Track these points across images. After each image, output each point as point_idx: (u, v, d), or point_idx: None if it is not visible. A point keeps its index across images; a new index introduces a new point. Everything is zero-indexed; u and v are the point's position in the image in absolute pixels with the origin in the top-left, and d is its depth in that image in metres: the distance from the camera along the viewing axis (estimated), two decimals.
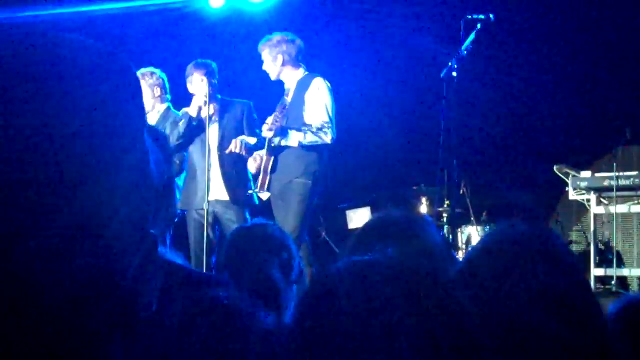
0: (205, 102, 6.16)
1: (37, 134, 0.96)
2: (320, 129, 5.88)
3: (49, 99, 0.98)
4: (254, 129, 6.32)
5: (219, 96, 6.37)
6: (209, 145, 6.18)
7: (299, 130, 5.89)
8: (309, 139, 5.87)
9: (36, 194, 0.96)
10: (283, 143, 5.92)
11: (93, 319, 1.01)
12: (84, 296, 1.00)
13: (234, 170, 6.28)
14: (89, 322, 1.01)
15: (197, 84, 6.26)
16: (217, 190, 6.23)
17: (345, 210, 8.32)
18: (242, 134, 6.24)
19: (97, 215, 1.00)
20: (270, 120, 5.98)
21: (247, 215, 6.25)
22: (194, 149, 6.35)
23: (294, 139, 5.88)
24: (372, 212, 8.05)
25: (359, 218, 8.07)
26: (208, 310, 1.40)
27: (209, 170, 6.12)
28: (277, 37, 6.16)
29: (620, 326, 1.81)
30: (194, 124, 6.21)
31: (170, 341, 1.11)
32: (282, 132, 5.90)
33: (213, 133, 6.28)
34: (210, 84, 6.20)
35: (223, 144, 6.23)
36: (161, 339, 1.15)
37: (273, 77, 6.19)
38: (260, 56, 6.26)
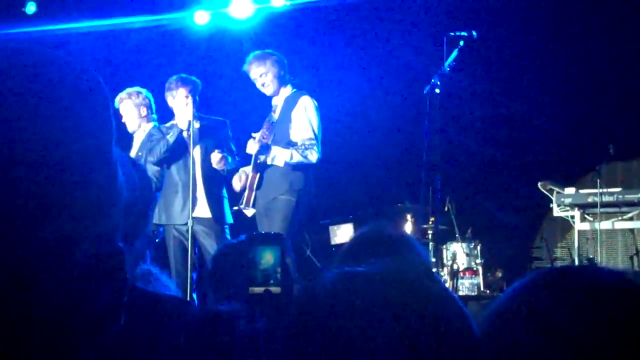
0: (195, 117, 6.16)
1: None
2: (306, 148, 5.88)
3: (12, 114, 0.98)
4: (230, 146, 6.37)
5: (197, 113, 6.33)
6: (193, 161, 6.17)
7: (285, 148, 5.89)
8: (295, 158, 5.87)
9: None
10: (269, 162, 5.91)
11: (64, 332, 1.00)
12: (53, 312, 0.99)
13: (216, 188, 6.29)
14: (61, 333, 1.00)
15: (181, 99, 6.23)
16: (199, 207, 6.21)
17: (328, 226, 8.31)
18: (223, 151, 6.22)
19: (63, 231, 1.00)
20: (257, 136, 5.97)
21: (227, 233, 6.27)
22: (176, 165, 6.31)
23: (280, 158, 5.88)
24: (355, 228, 8.04)
25: (342, 233, 8.06)
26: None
27: (194, 187, 6.10)
28: (271, 52, 6.13)
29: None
30: (182, 138, 6.21)
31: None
32: (267, 150, 5.90)
33: (196, 150, 6.26)
34: (194, 101, 6.20)
35: (206, 161, 6.21)
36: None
37: (272, 92, 6.13)
38: (245, 74, 6.23)
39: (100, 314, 1.07)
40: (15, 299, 0.98)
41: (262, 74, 6.08)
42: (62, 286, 1.01)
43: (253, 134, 6.03)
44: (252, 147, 5.94)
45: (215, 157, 6.09)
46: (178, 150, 6.23)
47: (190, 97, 6.19)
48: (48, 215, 0.99)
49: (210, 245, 6.06)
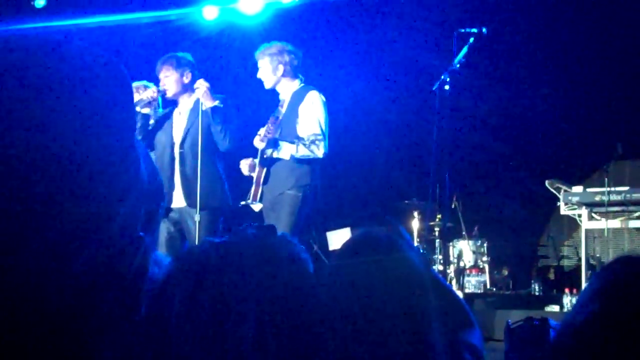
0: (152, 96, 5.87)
1: (31, 139, 0.96)
2: (312, 142, 5.86)
3: (43, 106, 0.99)
4: (219, 126, 5.78)
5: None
6: (172, 143, 5.85)
7: (291, 142, 5.87)
8: (301, 152, 5.85)
9: (27, 201, 0.96)
10: (275, 155, 5.90)
11: (87, 321, 1.01)
12: (78, 300, 0.99)
13: (195, 172, 5.72)
14: (84, 323, 1.00)
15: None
16: (179, 196, 5.81)
17: (325, 232, 8.19)
18: (210, 133, 5.77)
19: (90, 220, 1.00)
20: (262, 131, 5.95)
21: (216, 227, 5.73)
22: (157, 149, 5.94)
23: (286, 151, 5.86)
24: (352, 233, 7.95)
25: (338, 240, 7.93)
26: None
27: (171, 173, 5.81)
28: (278, 46, 6.05)
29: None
30: (149, 121, 5.92)
31: (167, 339, 1.11)
32: (274, 144, 5.89)
33: (178, 130, 5.92)
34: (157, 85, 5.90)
35: (184, 143, 5.84)
36: (157, 338, 1.16)
37: (268, 86, 6.10)
38: (255, 65, 6.21)
39: (121, 304, 1.07)
40: (37, 288, 0.98)
41: (260, 67, 6.08)
42: (82, 275, 1.01)
43: (260, 132, 6.01)
44: (258, 143, 5.93)
45: (200, 86, 5.72)
46: (152, 134, 5.90)
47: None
48: (71, 201, 0.99)
49: (191, 237, 5.71)
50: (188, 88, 5.98)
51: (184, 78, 5.96)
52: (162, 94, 5.95)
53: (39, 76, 1.00)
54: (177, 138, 5.90)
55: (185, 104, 6.02)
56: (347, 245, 2.00)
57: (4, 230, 0.96)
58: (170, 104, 6.16)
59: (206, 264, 1.14)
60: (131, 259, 1.09)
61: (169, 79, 5.91)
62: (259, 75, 6.10)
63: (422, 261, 1.96)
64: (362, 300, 1.22)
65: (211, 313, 1.09)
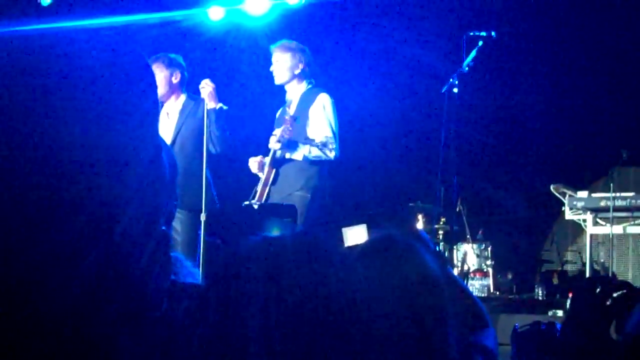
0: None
1: (52, 134, 0.96)
2: (324, 145, 5.85)
3: (62, 102, 0.98)
4: (219, 132, 5.73)
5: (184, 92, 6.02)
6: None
7: (304, 143, 5.86)
8: (314, 153, 5.85)
9: (49, 193, 0.95)
10: (288, 156, 5.88)
11: (101, 318, 1.00)
12: (92, 296, 0.98)
13: (186, 174, 5.57)
14: (97, 320, 0.99)
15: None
16: None
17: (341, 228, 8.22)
18: (202, 134, 5.64)
19: (109, 211, 0.99)
20: (278, 132, 5.91)
21: (199, 229, 5.52)
22: None
23: (300, 152, 5.85)
24: (368, 229, 7.95)
25: (354, 235, 7.96)
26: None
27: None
28: (298, 44, 6.06)
29: None
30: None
31: (176, 338, 1.10)
32: (290, 145, 5.85)
33: (167, 130, 5.91)
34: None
35: (174, 145, 5.82)
36: (167, 335, 1.15)
37: (281, 81, 6.05)
38: (261, 66, 6.20)
39: (144, 298, 1.06)
40: (56, 281, 0.97)
41: (278, 60, 6.05)
42: (103, 267, 1.00)
43: (275, 132, 5.96)
44: (274, 144, 5.89)
45: (206, 86, 5.69)
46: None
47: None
48: (89, 199, 0.98)
49: (176, 240, 5.66)
50: (176, 89, 6.00)
51: (173, 78, 5.98)
52: None
53: (47, 78, 0.99)
54: (166, 139, 5.72)
55: (173, 105, 6.03)
56: (363, 249, 1.99)
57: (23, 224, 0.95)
58: None
59: (258, 254, 1.12)
60: (155, 252, 1.08)
61: (158, 77, 5.80)
62: (273, 68, 6.04)
63: (438, 264, 1.96)
64: (373, 305, 1.21)
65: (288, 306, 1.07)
